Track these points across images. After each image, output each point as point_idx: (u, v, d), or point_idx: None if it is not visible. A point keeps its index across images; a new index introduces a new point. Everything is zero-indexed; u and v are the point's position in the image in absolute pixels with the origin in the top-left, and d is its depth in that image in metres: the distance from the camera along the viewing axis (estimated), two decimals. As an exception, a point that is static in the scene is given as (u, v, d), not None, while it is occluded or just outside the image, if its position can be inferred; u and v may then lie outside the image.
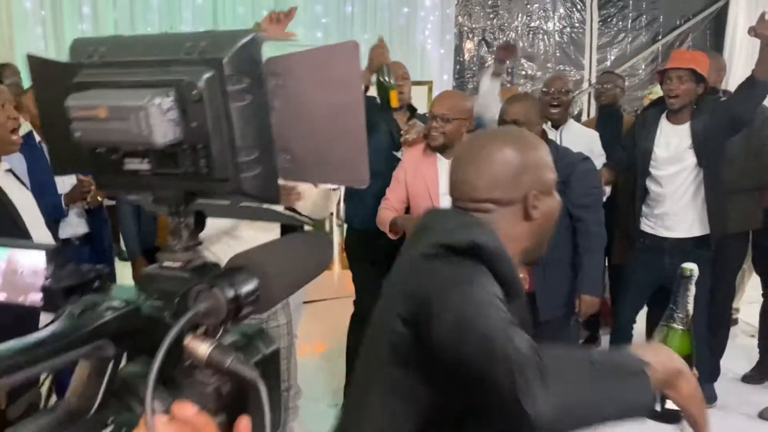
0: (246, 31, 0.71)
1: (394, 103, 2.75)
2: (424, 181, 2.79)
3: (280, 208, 2.06)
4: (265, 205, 0.73)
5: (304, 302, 4.71)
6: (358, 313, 3.15)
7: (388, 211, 2.89)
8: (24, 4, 7.28)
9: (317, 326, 4.30)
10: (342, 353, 3.20)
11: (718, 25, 9.88)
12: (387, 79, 2.70)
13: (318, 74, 0.69)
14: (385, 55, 2.63)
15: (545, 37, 9.50)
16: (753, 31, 2.83)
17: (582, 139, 3.24)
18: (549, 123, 3.33)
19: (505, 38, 9.34)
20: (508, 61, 3.25)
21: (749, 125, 3.01)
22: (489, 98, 3.19)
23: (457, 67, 9.15)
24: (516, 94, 3.07)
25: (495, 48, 3.57)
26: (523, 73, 9.50)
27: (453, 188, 1.32)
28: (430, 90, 6.70)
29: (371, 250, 3.01)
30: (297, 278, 0.75)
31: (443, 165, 2.71)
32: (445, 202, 2.69)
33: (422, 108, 6.43)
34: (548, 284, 2.60)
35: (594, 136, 3.36)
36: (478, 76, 9.41)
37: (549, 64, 9.50)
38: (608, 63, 9.70)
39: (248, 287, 0.67)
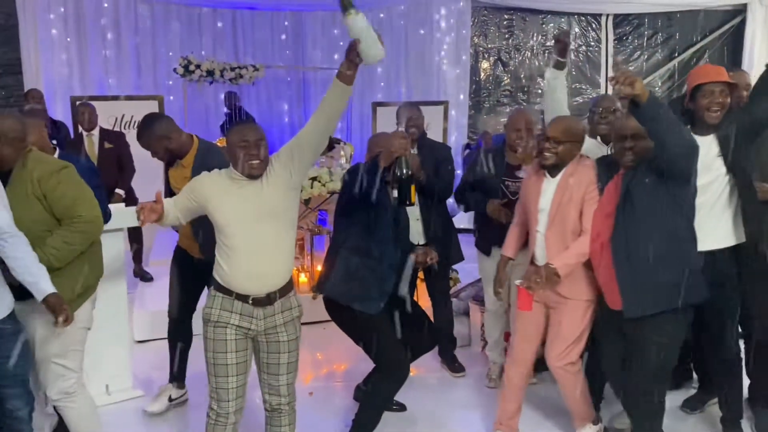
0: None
1: (413, 199, 2.81)
2: (529, 196, 3.00)
3: None
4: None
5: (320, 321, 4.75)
6: None
7: (512, 228, 3.22)
8: (50, 32, 7.51)
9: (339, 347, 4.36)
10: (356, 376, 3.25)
11: (735, 41, 9.86)
12: (406, 172, 2.67)
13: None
14: (407, 147, 2.61)
15: (561, 55, 9.53)
16: None
17: None
18: (599, 138, 3.44)
19: (521, 57, 9.40)
20: (568, 49, 3.35)
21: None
22: (558, 93, 3.34)
23: (473, 86, 9.22)
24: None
25: (553, 39, 3.61)
26: (539, 92, 9.54)
27: None
28: (446, 110, 6.76)
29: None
30: None
31: (548, 183, 2.90)
32: (540, 217, 2.91)
33: (438, 128, 6.50)
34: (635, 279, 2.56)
35: None
36: (494, 95, 9.49)
37: (564, 82, 9.51)
38: (625, 81, 9.69)
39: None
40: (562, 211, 2.85)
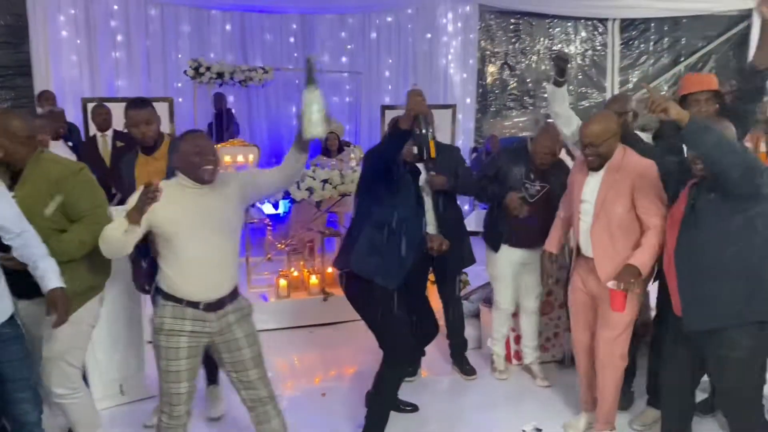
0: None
1: (433, 153, 2.83)
2: (573, 189, 3.14)
3: None
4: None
5: (329, 324, 4.78)
6: None
7: (557, 221, 3.38)
8: (60, 33, 7.55)
9: (346, 349, 4.39)
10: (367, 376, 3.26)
11: (741, 45, 9.88)
12: (424, 130, 2.72)
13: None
14: (424, 104, 2.66)
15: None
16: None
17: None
18: None
19: (527, 62, 9.43)
20: (567, 67, 3.53)
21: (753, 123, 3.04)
22: (557, 108, 3.51)
23: (480, 90, 9.25)
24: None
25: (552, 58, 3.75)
26: (545, 96, 9.56)
27: None
28: (454, 113, 6.78)
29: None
30: None
31: (592, 176, 3.00)
32: (584, 208, 3.01)
33: (446, 131, 6.52)
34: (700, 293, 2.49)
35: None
36: (500, 99, 9.52)
37: (571, 87, 9.55)
38: (630, 85, 9.74)
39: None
40: (607, 207, 2.92)
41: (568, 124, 3.54)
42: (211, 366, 3.46)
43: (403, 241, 2.92)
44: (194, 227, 2.43)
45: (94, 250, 2.56)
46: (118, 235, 2.35)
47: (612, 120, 3.02)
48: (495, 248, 3.80)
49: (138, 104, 3.13)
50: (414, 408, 3.54)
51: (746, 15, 9.71)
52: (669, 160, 2.95)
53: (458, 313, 4.02)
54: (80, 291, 2.63)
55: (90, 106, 5.69)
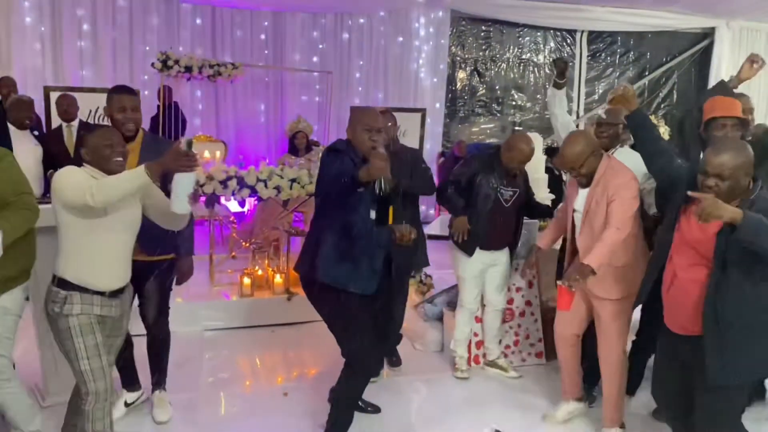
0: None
1: (390, 220, 2.97)
2: (569, 199, 3.37)
3: None
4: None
5: (288, 324, 4.76)
6: None
7: (552, 222, 3.65)
8: (24, 19, 7.36)
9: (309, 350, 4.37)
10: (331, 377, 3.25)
11: (703, 62, 10.18)
12: (384, 190, 2.74)
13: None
14: (386, 170, 2.67)
15: (535, 69, 9.72)
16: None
17: (630, 161, 3.38)
18: None
19: (497, 69, 9.54)
20: (567, 71, 3.85)
21: None
22: (557, 110, 3.85)
23: (449, 95, 9.32)
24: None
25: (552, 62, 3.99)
26: (513, 103, 9.70)
27: None
28: (423, 117, 6.81)
29: None
30: None
31: (582, 191, 3.21)
32: (576, 217, 3.23)
33: (414, 135, 6.54)
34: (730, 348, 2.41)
35: (639, 157, 3.45)
36: (469, 105, 9.60)
37: (538, 95, 9.71)
38: (596, 96, 9.94)
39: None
40: (591, 217, 3.12)
41: (565, 130, 3.71)
42: (157, 370, 3.43)
43: (371, 244, 2.91)
44: (113, 220, 2.55)
45: (19, 238, 2.56)
46: (127, 185, 2.39)
47: (586, 139, 3.17)
48: (470, 254, 3.86)
49: (129, 89, 3.12)
50: (376, 409, 3.55)
51: (708, 33, 10.02)
52: (679, 166, 2.89)
53: (402, 310, 4.16)
54: (2, 280, 2.63)
55: (53, 95, 5.56)
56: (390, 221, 2.86)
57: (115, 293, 2.66)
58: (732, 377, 2.41)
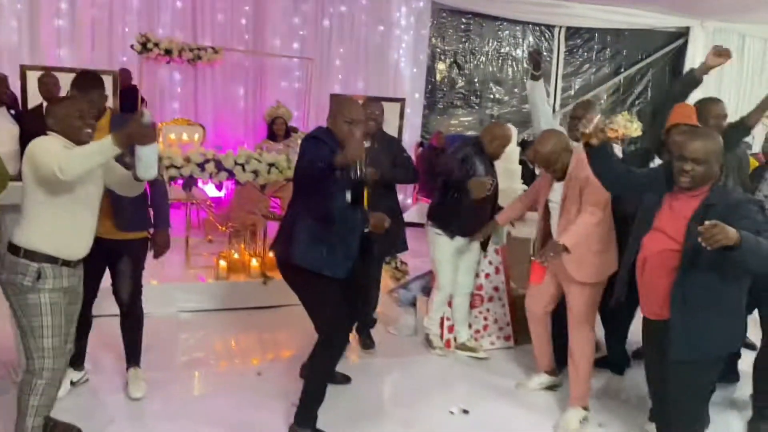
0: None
1: (365, 202, 3.06)
2: (541, 189, 3.62)
3: None
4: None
5: (268, 307, 4.81)
6: None
7: (516, 202, 3.97)
8: (0, -3, 7.24)
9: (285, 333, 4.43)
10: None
11: (676, 60, 10.39)
12: (360, 175, 2.78)
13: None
14: (362, 155, 2.72)
15: (513, 63, 9.83)
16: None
17: None
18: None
19: (476, 62, 9.63)
20: (541, 62, 3.98)
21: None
22: (539, 103, 4.01)
23: (429, 86, 9.39)
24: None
25: (528, 53, 4.08)
26: (491, 96, 9.81)
27: None
28: (402, 107, 6.86)
29: None
30: None
31: (557, 185, 3.45)
32: (551, 206, 3.49)
33: (393, 125, 6.60)
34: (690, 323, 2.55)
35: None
36: (448, 96, 9.69)
37: (516, 89, 9.83)
38: (572, 92, 10.09)
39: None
40: (567, 207, 3.37)
41: (548, 123, 3.93)
42: (131, 348, 3.47)
43: (345, 229, 2.98)
44: (87, 191, 2.64)
45: None
46: (97, 157, 2.40)
47: (557, 137, 3.39)
48: (451, 237, 4.01)
49: (96, 78, 3.19)
50: (346, 379, 3.69)
51: (683, 32, 10.22)
52: (640, 173, 3.00)
53: (376, 294, 4.29)
54: None
55: (30, 73, 5.50)
56: (365, 203, 2.91)
57: (78, 261, 2.72)
58: (695, 352, 2.56)
